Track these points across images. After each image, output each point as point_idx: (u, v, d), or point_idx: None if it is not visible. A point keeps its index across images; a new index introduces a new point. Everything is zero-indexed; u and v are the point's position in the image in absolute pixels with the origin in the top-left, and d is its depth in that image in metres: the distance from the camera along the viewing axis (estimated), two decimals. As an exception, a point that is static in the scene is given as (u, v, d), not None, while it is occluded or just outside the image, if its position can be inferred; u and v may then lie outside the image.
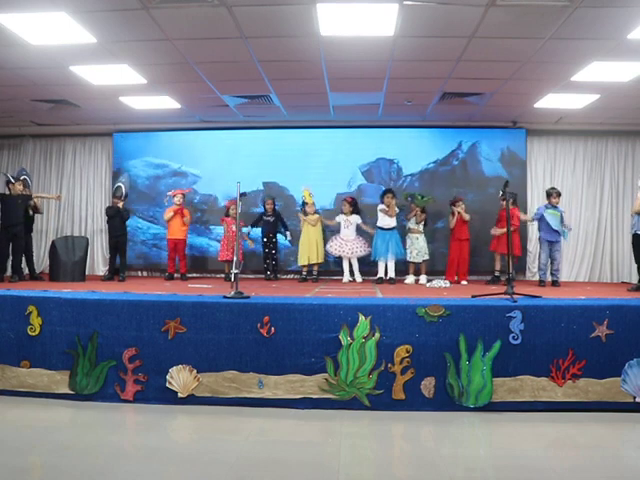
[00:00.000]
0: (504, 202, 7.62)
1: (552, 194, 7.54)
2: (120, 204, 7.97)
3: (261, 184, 8.97)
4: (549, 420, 3.87)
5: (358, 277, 8.06)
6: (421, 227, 7.96)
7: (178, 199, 8.18)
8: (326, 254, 8.24)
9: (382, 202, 7.96)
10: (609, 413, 3.99)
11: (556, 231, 7.40)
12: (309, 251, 8.04)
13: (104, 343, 4.27)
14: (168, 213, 8.14)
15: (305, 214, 8.04)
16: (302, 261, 8.08)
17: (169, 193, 8.36)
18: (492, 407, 4.03)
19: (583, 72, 6.13)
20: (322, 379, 4.10)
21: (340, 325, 4.13)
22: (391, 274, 7.84)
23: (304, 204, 8.09)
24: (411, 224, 7.92)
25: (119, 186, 8.16)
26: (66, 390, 4.28)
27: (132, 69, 6.20)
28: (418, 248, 7.86)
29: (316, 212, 8.19)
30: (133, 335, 4.25)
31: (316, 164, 8.87)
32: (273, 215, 8.27)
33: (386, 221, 7.86)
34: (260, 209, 8.68)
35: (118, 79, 6.52)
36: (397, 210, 7.92)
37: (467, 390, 4.05)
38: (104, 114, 8.32)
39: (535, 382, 4.04)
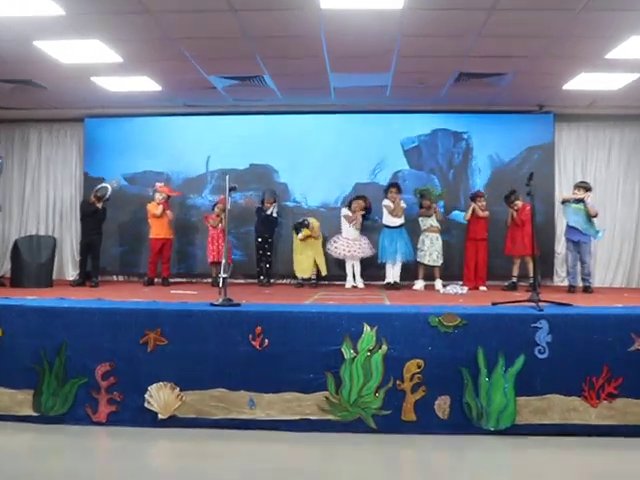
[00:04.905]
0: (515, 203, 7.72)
1: (575, 187, 7.60)
2: (99, 205, 7.97)
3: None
4: (582, 446, 3.84)
5: (360, 282, 8.07)
6: (439, 225, 7.97)
7: (162, 196, 8.18)
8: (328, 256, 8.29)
9: (386, 197, 7.98)
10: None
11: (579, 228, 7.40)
12: (318, 263, 8.13)
13: (74, 357, 4.24)
14: (157, 208, 8.13)
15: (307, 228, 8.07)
16: (303, 272, 8.14)
17: (157, 185, 8.36)
18: (516, 430, 4.01)
19: (620, 48, 6.12)
20: (322, 398, 4.08)
21: (342, 336, 4.11)
22: (396, 278, 7.85)
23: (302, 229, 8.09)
24: (432, 221, 7.91)
25: (105, 186, 8.17)
26: (30, 412, 4.25)
27: (105, 45, 6.19)
28: (438, 250, 7.86)
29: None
30: (107, 348, 4.22)
31: (317, 153, 8.88)
32: (271, 215, 8.29)
33: (392, 218, 7.88)
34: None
35: (90, 57, 6.51)
36: (404, 206, 7.93)
37: (487, 411, 4.03)
38: (74, 97, 8.32)
39: (565, 402, 4.02)
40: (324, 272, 8.15)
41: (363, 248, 8.10)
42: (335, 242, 8.17)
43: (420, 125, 8.86)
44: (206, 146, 9.03)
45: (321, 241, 8.27)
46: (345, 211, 8.17)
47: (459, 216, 8.48)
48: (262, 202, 8.39)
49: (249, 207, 8.80)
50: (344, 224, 8.13)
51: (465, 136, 8.81)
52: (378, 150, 8.84)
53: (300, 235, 8.03)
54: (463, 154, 8.84)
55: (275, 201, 8.39)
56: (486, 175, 8.81)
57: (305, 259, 8.09)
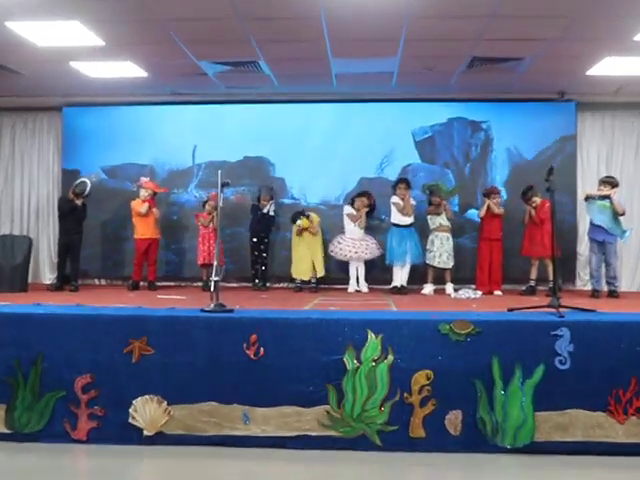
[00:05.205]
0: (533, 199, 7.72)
1: (600, 182, 7.60)
2: (79, 202, 7.97)
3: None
4: (607, 466, 3.84)
5: (364, 286, 8.08)
6: (450, 224, 7.98)
7: (148, 193, 8.18)
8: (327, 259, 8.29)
9: (395, 194, 7.98)
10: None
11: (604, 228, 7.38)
12: (315, 263, 8.12)
13: (51, 369, 4.24)
14: (142, 206, 8.14)
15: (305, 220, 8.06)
16: (301, 274, 8.17)
17: (142, 180, 8.35)
18: (535, 448, 4.01)
19: (649, 30, 6.12)
20: (322, 412, 4.08)
21: (345, 345, 4.11)
22: (403, 282, 7.86)
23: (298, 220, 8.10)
24: (442, 220, 7.92)
25: (84, 181, 8.18)
26: (2, 428, 4.24)
27: (85, 27, 6.18)
28: (449, 251, 7.86)
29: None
30: (88, 358, 4.22)
31: (317, 146, 8.87)
32: (268, 213, 8.29)
33: (402, 216, 7.89)
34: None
35: (69, 40, 6.50)
36: (414, 203, 7.94)
37: (503, 426, 4.02)
38: (51, 84, 8.32)
39: (589, 418, 4.01)
40: (321, 273, 8.14)
41: (370, 248, 8.10)
42: (340, 243, 8.16)
43: (434, 114, 8.84)
44: (195, 137, 9.04)
45: (321, 240, 8.26)
46: (348, 209, 8.17)
47: (475, 215, 8.46)
48: (258, 199, 8.39)
49: (241, 204, 8.80)
50: (348, 223, 8.13)
51: (484, 126, 8.77)
52: (386, 142, 8.82)
53: (299, 222, 8.03)
54: (481, 146, 8.80)
55: (272, 198, 8.39)
56: (504, 170, 8.79)
57: (304, 258, 8.09)
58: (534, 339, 4.08)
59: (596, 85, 8.14)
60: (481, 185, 8.68)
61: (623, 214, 7.42)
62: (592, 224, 7.58)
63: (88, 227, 8.41)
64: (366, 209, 8.14)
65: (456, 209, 8.64)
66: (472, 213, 8.62)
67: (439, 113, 8.82)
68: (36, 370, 4.24)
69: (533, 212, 7.75)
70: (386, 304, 6.51)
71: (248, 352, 4.14)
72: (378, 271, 8.35)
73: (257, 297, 7.28)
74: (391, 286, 7.94)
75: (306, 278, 8.16)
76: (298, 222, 8.06)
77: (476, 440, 4.04)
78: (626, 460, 3.92)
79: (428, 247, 7.93)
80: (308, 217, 8.06)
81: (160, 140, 9.05)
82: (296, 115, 8.95)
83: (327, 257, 8.33)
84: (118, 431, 4.17)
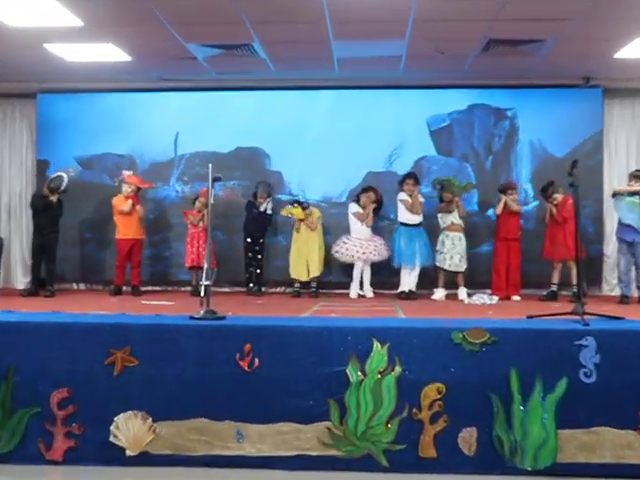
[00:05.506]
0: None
1: (630, 177, 7.63)
2: (54, 197, 7.97)
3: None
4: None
5: (369, 291, 8.07)
6: (462, 222, 7.98)
7: (131, 189, 8.19)
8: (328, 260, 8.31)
9: (402, 190, 7.98)
10: None
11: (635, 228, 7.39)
12: (309, 262, 8.12)
13: (24, 382, 4.23)
14: (125, 203, 8.14)
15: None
16: (299, 274, 8.18)
17: (125, 174, 8.34)
18: (558, 470, 4.00)
19: (685, 6, 6.11)
20: (323, 429, 4.09)
21: (348, 356, 4.11)
22: (412, 286, 7.86)
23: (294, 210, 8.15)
24: (454, 218, 7.92)
25: (60, 176, 8.18)
26: (-30, 448, 4.26)
27: (62, 5, 6.17)
28: (461, 252, 7.86)
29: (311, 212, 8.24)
30: (65, 370, 4.22)
31: (318, 137, 8.88)
32: (265, 212, 8.31)
33: (410, 215, 7.89)
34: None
35: (43, 19, 6.49)
36: (423, 200, 7.95)
37: (522, 446, 4.02)
38: (24, 68, 8.31)
39: (618, 436, 4.01)
40: (315, 272, 8.12)
41: (379, 249, 8.10)
42: (345, 243, 8.16)
43: (451, 101, 8.82)
44: (182, 126, 9.03)
45: (320, 238, 8.24)
46: (354, 207, 8.16)
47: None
48: (254, 196, 8.39)
49: (230, 201, 8.78)
50: (354, 223, 8.13)
51: (509, 114, 8.72)
52: (396, 132, 8.80)
53: (288, 207, 8.13)
54: (506, 136, 8.76)
55: (270, 196, 8.41)
56: (528, 164, 8.77)
57: (301, 257, 8.10)
58: (556, 349, 4.08)
59: (625, 69, 8.13)
60: (505, 181, 8.58)
61: None
62: (620, 223, 7.58)
63: (65, 226, 8.41)
64: (373, 205, 8.13)
65: (475, 208, 8.61)
66: (492, 212, 8.52)
67: (457, 100, 8.79)
68: (7, 384, 4.24)
69: (554, 210, 7.74)
70: (393, 311, 6.52)
71: (242, 363, 4.14)
72: (384, 274, 8.33)
73: (251, 303, 7.28)
74: (398, 291, 7.94)
75: (304, 279, 8.15)
76: (288, 207, 8.09)
77: (492, 461, 4.04)
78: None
79: (438, 248, 7.93)
80: (306, 208, 8.06)
81: (144, 130, 9.06)
82: (294, 103, 8.96)
83: (327, 258, 8.34)
84: (98, 451, 4.16)
